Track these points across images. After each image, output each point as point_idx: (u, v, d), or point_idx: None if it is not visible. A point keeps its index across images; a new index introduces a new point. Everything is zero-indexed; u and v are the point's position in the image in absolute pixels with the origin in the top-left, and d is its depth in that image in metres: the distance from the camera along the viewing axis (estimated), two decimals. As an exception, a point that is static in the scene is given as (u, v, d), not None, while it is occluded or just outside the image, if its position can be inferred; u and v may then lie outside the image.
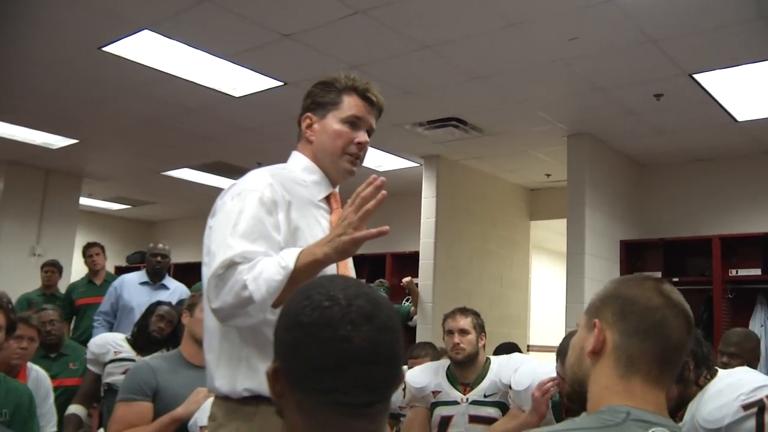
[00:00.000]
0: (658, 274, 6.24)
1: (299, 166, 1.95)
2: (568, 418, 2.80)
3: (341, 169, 1.95)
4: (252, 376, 1.72)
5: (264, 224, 1.72)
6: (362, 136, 1.94)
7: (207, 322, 1.84)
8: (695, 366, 2.24)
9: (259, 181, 1.80)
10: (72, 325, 6.03)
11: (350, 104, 1.93)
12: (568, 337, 2.61)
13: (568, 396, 1.49)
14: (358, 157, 1.96)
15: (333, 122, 1.93)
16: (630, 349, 1.26)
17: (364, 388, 0.94)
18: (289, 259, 1.62)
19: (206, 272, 1.76)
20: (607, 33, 4.10)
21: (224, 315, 1.65)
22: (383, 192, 1.66)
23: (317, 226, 1.87)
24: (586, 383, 1.31)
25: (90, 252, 6.25)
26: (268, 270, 1.60)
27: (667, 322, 1.28)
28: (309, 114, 1.96)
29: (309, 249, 1.66)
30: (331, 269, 1.75)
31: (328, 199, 1.96)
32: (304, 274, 1.61)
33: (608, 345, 1.28)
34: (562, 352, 2.67)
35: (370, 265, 7.87)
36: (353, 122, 1.93)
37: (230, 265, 1.62)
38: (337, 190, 2.00)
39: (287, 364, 0.97)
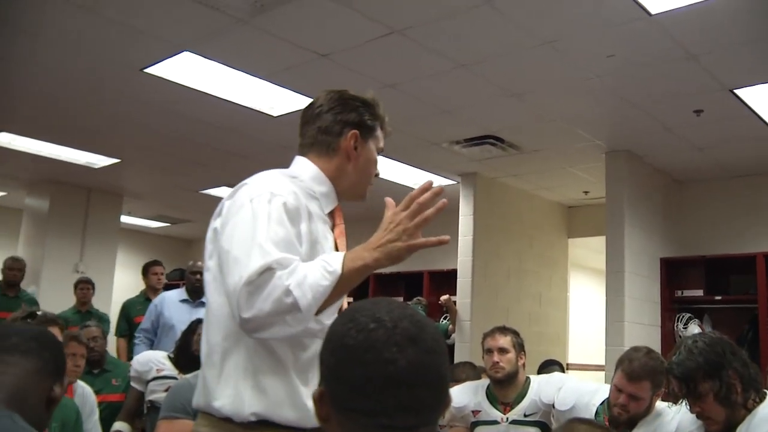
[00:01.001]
0: (700, 293, 6.16)
1: (307, 174, 1.84)
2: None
3: (361, 194, 1.93)
4: (261, 399, 1.62)
5: (291, 233, 1.62)
6: (378, 168, 1.96)
7: (210, 334, 1.71)
8: (743, 389, 2.20)
9: (282, 186, 1.70)
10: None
11: (381, 136, 1.92)
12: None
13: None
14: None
15: (372, 150, 1.89)
16: None
17: (408, 411, 0.93)
18: (335, 263, 1.53)
19: (210, 279, 1.69)
20: (644, 49, 4.07)
21: (256, 325, 1.50)
22: (444, 200, 1.59)
23: (326, 242, 1.77)
24: None
25: (156, 270, 6.48)
26: (312, 274, 1.50)
27: None
28: (357, 132, 1.86)
29: (356, 253, 1.57)
30: None
31: (331, 213, 1.86)
32: (350, 279, 1.54)
33: None
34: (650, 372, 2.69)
35: (407, 284, 7.86)
36: (379, 153, 1.93)
37: (266, 271, 1.49)
38: (338, 204, 1.92)
39: (332, 386, 0.97)
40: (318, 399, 0.99)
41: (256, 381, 1.62)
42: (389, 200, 1.63)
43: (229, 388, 1.62)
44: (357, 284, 1.60)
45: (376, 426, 0.93)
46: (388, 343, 0.93)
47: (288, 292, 1.47)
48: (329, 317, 1.53)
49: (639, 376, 2.72)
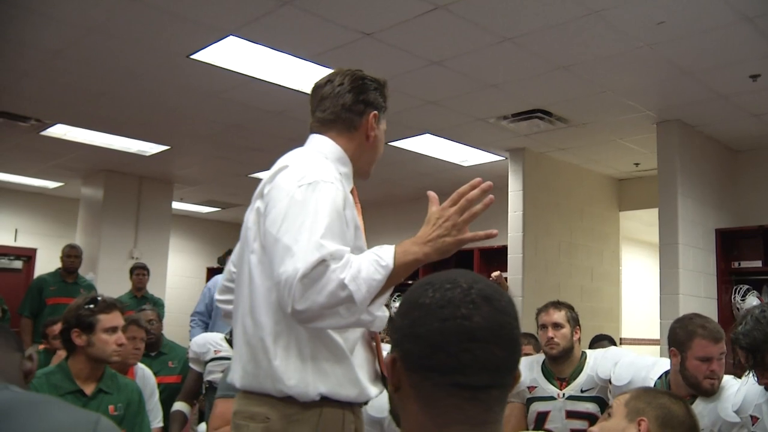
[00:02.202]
0: (758, 263, 6.01)
1: (333, 154, 1.89)
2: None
3: (368, 173, 2.00)
4: (324, 380, 1.67)
5: (343, 222, 1.67)
6: None
7: (258, 316, 1.72)
8: None
9: (329, 172, 1.74)
10: None
11: (385, 118, 2.01)
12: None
13: None
14: None
15: (383, 130, 1.98)
16: None
17: (482, 368, 0.94)
18: (387, 257, 1.57)
19: (256, 262, 1.71)
20: (695, 14, 3.96)
21: (309, 316, 1.54)
22: (491, 196, 1.63)
23: (360, 226, 1.83)
24: None
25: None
26: (366, 269, 1.54)
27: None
28: (376, 113, 1.94)
29: (406, 247, 1.61)
30: None
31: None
32: (401, 273, 1.58)
33: None
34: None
35: (457, 261, 7.84)
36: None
37: (320, 264, 1.52)
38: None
39: (406, 346, 0.97)
40: (391, 365, 0.99)
41: (317, 363, 1.67)
42: (432, 194, 1.67)
43: (290, 371, 1.66)
44: (405, 276, 1.63)
45: (451, 384, 0.94)
46: (464, 301, 0.95)
47: (343, 285, 1.51)
48: (378, 308, 1.62)
49: (722, 335, 2.65)
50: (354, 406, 1.76)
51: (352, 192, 1.89)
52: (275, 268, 1.59)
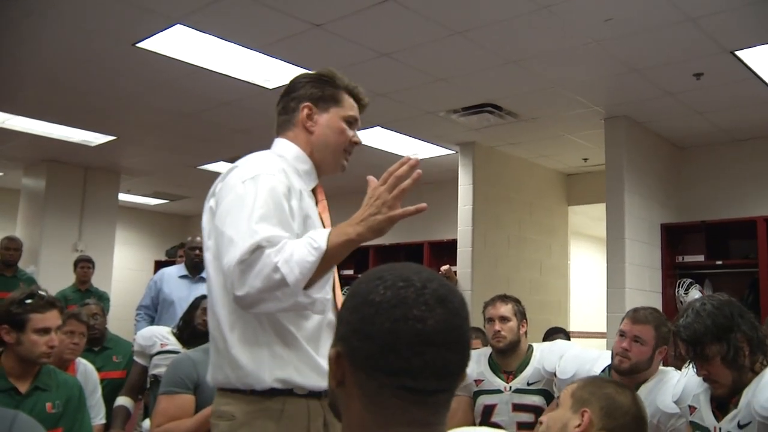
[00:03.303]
0: (701, 258, 6.15)
1: (290, 154, 1.94)
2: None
3: (338, 165, 1.99)
4: (280, 365, 1.68)
5: (283, 210, 1.70)
6: (357, 136, 2.01)
7: (215, 309, 1.77)
8: (750, 352, 2.19)
9: (272, 165, 1.79)
10: None
11: (349, 104, 1.98)
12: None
13: None
14: (350, 155, 2.02)
15: (336, 118, 1.96)
16: None
17: (433, 373, 0.91)
18: (320, 239, 1.59)
19: (210, 258, 1.76)
20: (643, 12, 4.01)
21: (250, 301, 1.59)
22: (419, 171, 1.66)
23: (315, 216, 1.87)
24: None
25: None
26: (299, 251, 1.57)
27: (637, 426, 1.82)
28: (309, 104, 1.96)
29: (340, 229, 1.64)
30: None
31: (313, 190, 1.96)
32: (336, 254, 1.60)
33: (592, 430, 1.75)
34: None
35: (407, 255, 7.85)
36: (351, 122, 1.98)
37: (256, 249, 1.57)
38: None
39: (354, 344, 0.94)
40: (335, 359, 0.96)
41: (271, 350, 1.69)
42: (371, 178, 1.69)
43: (245, 358, 1.69)
44: (343, 258, 1.66)
45: (398, 387, 0.91)
46: (417, 302, 0.92)
47: (276, 268, 1.55)
48: (318, 291, 1.62)
49: (644, 320, 2.79)
50: (322, 397, 1.75)
51: (315, 188, 1.96)
52: (221, 260, 1.66)
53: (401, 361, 0.90)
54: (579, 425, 1.75)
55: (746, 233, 5.88)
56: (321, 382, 1.71)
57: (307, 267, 1.55)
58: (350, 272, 7.90)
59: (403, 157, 1.70)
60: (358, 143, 2.01)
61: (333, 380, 0.97)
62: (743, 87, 5.09)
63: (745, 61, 4.61)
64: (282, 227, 1.65)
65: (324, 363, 1.68)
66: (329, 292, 1.70)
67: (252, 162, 1.81)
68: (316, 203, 1.94)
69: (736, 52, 4.50)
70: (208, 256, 1.77)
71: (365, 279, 0.99)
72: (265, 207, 1.65)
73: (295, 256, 1.56)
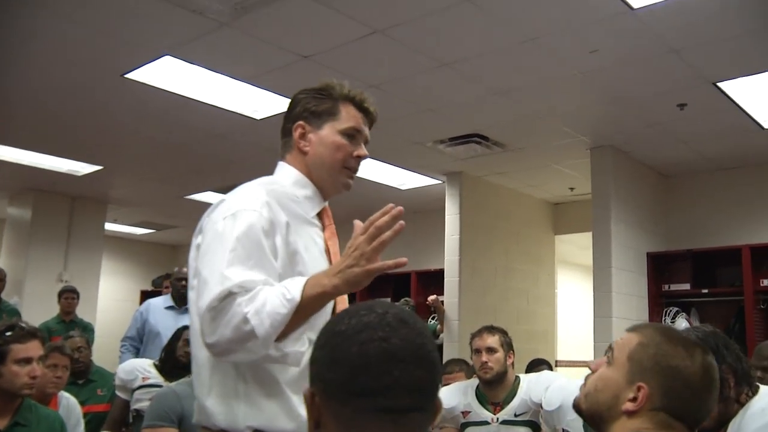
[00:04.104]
0: (687, 286, 6.17)
1: (289, 179, 1.82)
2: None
3: (339, 184, 1.86)
4: (256, 415, 1.61)
5: (262, 249, 1.59)
6: (362, 150, 1.85)
7: (195, 352, 1.70)
8: (736, 383, 2.18)
9: (255, 199, 1.66)
10: None
11: (348, 115, 1.83)
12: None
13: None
14: (356, 171, 1.88)
15: (331, 133, 1.81)
16: (670, 420, 1.36)
17: (404, 390, 0.93)
18: (294, 290, 1.50)
19: (194, 298, 1.65)
20: (627, 44, 4.07)
21: (221, 350, 1.52)
22: (401, 222, 1.54)
23: (314, 247, 1.75)
24: (605, 422, 1.41)
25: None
26: (271, 302, 1.48)
27: (709, 402, 1.40)
28: (302, 123, 1.84)
29: (315, 279, 1.54)
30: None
31: (319, 215, 1.84)
32: (310, 306, 1.51)
33: (646, 409, 1.36)
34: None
35: (394, 284, 7.84)
36: (352, 135, 1.83)
37: (227, 296, 1.48)
38: (327, 204, 1.88)
39: (326, 376, 0.96)
40: (310, 398, 0.98)
41: (248, 396, 1.61)
42: (356, 223, 1.59)
43: (222, 405, 1.62)
44: (318, 311, 1.56)
45: (374, 408, 0.92)
46: (381, 324, 0.96)
47: (246, 320, 1.46)
48: (292, 344, 1.54)
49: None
50: None
51: (322, 212, 1.84)
52: (197, 302, 1.58)
53: (372, 381, 0.92)
54: (633, 400, 1.37)
55: (732, 261, 5.92)
56: (295, 428, 1.64)
57: (278, 320, 1.47)
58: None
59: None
60: (361, 156, 1.85)
61: (310, 422, 0.98)
62: (726, 117, 5.15)
63: (727, 92, 4.68)
64: (259, 268, 1.55)
65: (301, 408, 1.62)
66: (305, 344, 1.60)
67: (235, 197, 1.70)
68: (323, 228, 1.83)
69: (719, 84, 4.56)
70: (192, 296, 1.67)
71: (330, 320, 1.03)
72: (242, 247, 1.56)
73: (267, 307, 1.47)
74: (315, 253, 1.74)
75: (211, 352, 1.55)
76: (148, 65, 4.47)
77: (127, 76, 4.62)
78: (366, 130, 1.87)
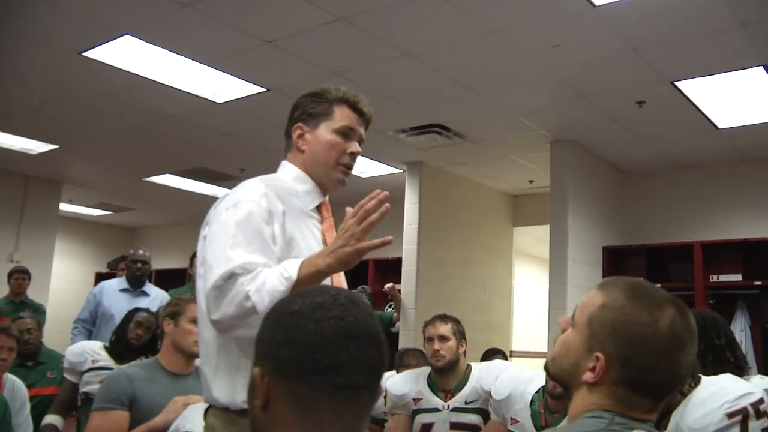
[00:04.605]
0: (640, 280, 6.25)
1: (290, 175, 1.98)
2: (548, 427, 2.79)
3: (334, 179, 1.99)
4: None
5: (262, 235, 1.75)
6: (355, 147, 2.00)
7: (203, 333, 1.85)
8: None
9: (255, 191, 1.82)
10: None
11: (342, 115, 1.98)
12: None
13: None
14: (350, 168, 2.01)
15: (326, 133, 1.97)
16: (631, 393, 1.22)
17: (359, 367, 0.96)
18: (291, 269, 1.66)
19: (201, 284, 1.79)
20: (588, 40, 4.11)
21: (225, 326, 1.68)
22: (386, 205, 1.73)
23: (311, 236, 1.91)
24: (571, 388, 1.29)
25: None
26: (270, 281, 1.63)
27: (679, 368, 1.24)
28: (300, 124, 1.99)
29: (311, 260, 1.70)
30: (326, 281, 1.79)
31: (318, 208, 2.00)
32: (306, 284, 1.62)
33: (608, 380, 1.23)
34: None
35: (352, 272, 7.79)
36: (346, 133, 1.98)
37: (230, 277, 1.65)
38: (326, 199, 2.03)
39: (280, 355, 0.97)
40: (260, 378, 0.98)
41: (248, 372, 1.70)
42: (348, 209, 1.75)
43: (224, 381, 1.77)
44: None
45: (328, 386, 0.95)
46: (335, 304, 0.99)
47: (248, 297, 1.62)
48: None
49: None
50: None
51: (320, 206, 1.99)
52: (204, 285, 1.74)
53: (329, 358, 0.95)
54: (593, 370, 1.23)
55: (684, 257, 6.03)
56: None
57: (277, 296, 1.59)
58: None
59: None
60: (355, 153, 2.00)
61: (257, 402, 0.99)
62: (683, 116, 5.24)
63: (685, 91, 4.76)
64: (259, 252, 1.71)
65: None
66: None
67: (237, 190, 1.86)
68: (322, 220, 1.99)
69: (676, 83, 4.64)
70: (200, 283, 1.82)
71: (280, 301, 1.06)
72: (243, 233, 1.72)
73: (266, 285, 1.62)
74: (311, 241, 1.90)
75: (216, 328, 1.72)
76: (108, 44, 4.39)
77: (85, 54, 4.54)
78: (360, 130, 2.02)
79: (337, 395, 0.95)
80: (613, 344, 1.22)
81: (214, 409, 1.82)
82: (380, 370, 1.01)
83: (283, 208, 1.84)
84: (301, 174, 1.98)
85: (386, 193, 1.75)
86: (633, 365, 1.21)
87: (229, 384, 1.76)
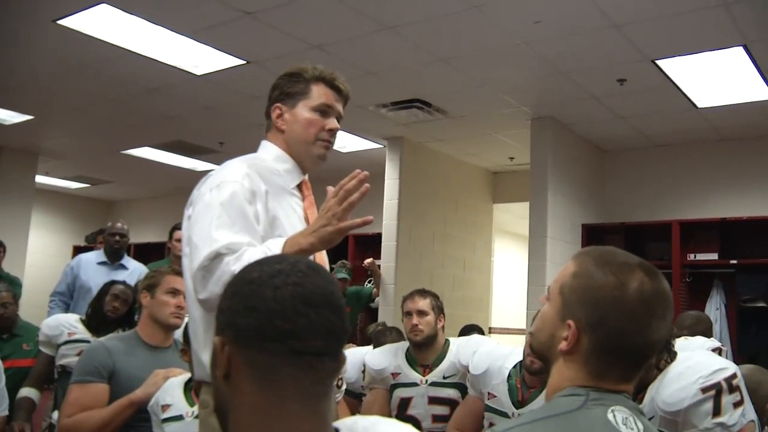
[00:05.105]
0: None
1: (271, 155, 2.01)
2: (525, 402, 2.82)
3: (314, 156, 2.02)
4: None
5: (245, 215, 1.79)
6: (333, 123, 2.02)
7: (191, 312, 1.89)
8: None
9: (237, 172, 1.85)
10: None
11: (319, 93, 2.01)
12: None
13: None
14: (330, 143, 2.04)
15: (304, 111, 2.00)
16: (604, 361, 1.21)
17: (318, 333, 0.96)
18: (275, 248, 1.70)
19: (187, 264, 1.83)
20: (570, 17, 4.10)
21: (212, 305, 1.65)
22: (367, 185, 1.76)
23: (294, 214, 1.95)
24: (550, 362, 1.28)
25: None
26: (255, 260, 1.63)
27: (649, 333, 1.21)
28: (279, 104, 2.03)
29: (294, 239, 1.75)
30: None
31: (299, 186, 2.03)
32: None
33: (581, 348, 1.21)
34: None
35: (332, 247, 7.82)
36: (323, 110, 2.01)
37: (216, 257, 1.68)
38: (306, 177, 2.07)
39: (240, 323, 0.97)
40: (220, 348, 0.98)
41: None
42: (329, 188, 1.79)
43: (209, 358, 1.75)
44: None
45: (288, 352, 0.94)
46: (293, 270, 0.99)
47: (233, 276, 1.59)
48: None
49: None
50: None
51: (302, 184, 2.03)
52: (190, 265, 1.78)
53: (288, 324, 0.94)
54: (566, 338, 1.23)
55: (662, 236, 6.09)
56: None
57: None
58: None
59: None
60: (333, 129, 2.02)
61: (219, 372, 0.98)
62: (663, 95, 5.26)
63: (665, 70, 4.77)
64: (244, 232, 1.75)
65: None
66: None
67: (220, 171, 1.89)
68: (303, 198, 2.03)
69: (657, 61, 4.64)
70: (186, 262, 1.86)
71: (241, 270, 1.05)
72: (227, 213, 1.76)
73: None
74: (294, 219, 1.94)
75: (204, 308, 1.76)
76: (83, 12, 4.31)
77: (59, 22, 4.45)
78: (338, 106, 2.05)
79: (297, 362, 0.95)
80: (583, 310, 1.21)
81: (206, 386, 1.84)
82: (341, 336, 1.00)
83: (266, 187, 1.87)
84: (282, 153, 2.01)
85: (366, 173, 1.77)
86: (602, 330, 1.19)
87: None
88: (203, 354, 1.82)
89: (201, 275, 1.70)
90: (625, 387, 1.24)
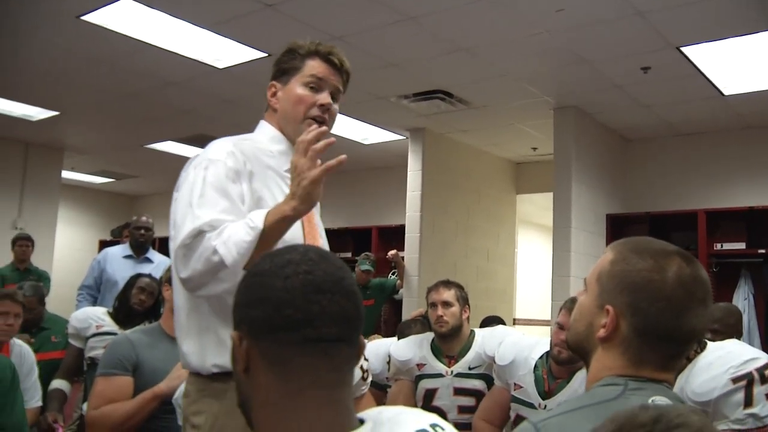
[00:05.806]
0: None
1: (266, 135, 1.95)
2: (552, 393, 2.80)
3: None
4: (221, 352, 1.71)
5: (228, 194, 1.72)
6: (325, 98, 1.91)
7: (176, 299, 1.83)
8: None
9: (221, 150, 1.79)
10: None
11: (312, 66, 1.92)
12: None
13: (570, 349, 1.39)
14: (323, 120, 1.90)
15: (295, 87, 1.91)
16: (643, 347, 1.20)
17: (331, 319, 0.95)
18: (257, 219, 1.61)
19: (173, 246, 1.74)
20: (593, 4, 4.06)
21: (194, 284, 1.64)
22: (332, 138, 1.68)
23: (281, 196, 1.81)
24: (589, 353, 1.28)
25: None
26: (237, 233, 1.60)
27: (689, 318, 1.20)
28: (274, 82, 1.97)
29: (276, 208, 1.65)
30: (300, 239, 1.78)
31: None
32: (273, 232, 1.62)
33: (620, 335, 1.21)
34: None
35: (355, 239, 7.85)
36: (314, 85, 1.91)
37: (198, 234, 1.61)
38: None
39: (252, 314, 0.97)
40: (238, 342, 0.98)
41: (217, 335, 1.72)
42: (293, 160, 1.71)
43: (194, 345, 1.76)
44: (282, 236, 1.66)
45: (301, 340, 0.94)
46: (303, 259, 0.99)
47: (215, 251, 1.58)
48: None
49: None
50: None
51: None
52: (173, 246, 1.71)
53: (299, 313, 0.94)
54: (604, 326, 1.23)
55: (687, 225, 6.02)
56: None
57: (244, 247, 1.58)
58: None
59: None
60: (325, 104, 1.90)
61: (239, 366, 0.99)
62: (688, 83, 5.19)
63: (690, 57, 4.70)
64: (227, 211, 1.68)
65: None
66: None
67: (206, 150, 1.83)
68: None
69: (682, 48, 4.58)
70: (172, 245, 1.76)
71: (253, 265, 1.05)
72: (210, 192, 1.69)
73: (233, 238, 1.59)
74: (272, 203, 1.80)
75: (186, 288, 1.68)
76: (106, 7, 4.33)
77: (83, 18, 4.48)
78: (333, 80, 1.94)
79: (312, 350, 0.94)
80: (621, 295, 1.22)
81: (190, 376, 1.81)
82: (355, 322, 0.99)
83: (251, 167, 1.80)
84: (277, 134, 1.95)
85: (324, 128, 1.72)
86: (640, 314, 1.19)
87: (199, 345, 1.74)
88: (185, 341, 1.78)
89: (182, 253, 1.62)
90: (666, 376, 1.23)
